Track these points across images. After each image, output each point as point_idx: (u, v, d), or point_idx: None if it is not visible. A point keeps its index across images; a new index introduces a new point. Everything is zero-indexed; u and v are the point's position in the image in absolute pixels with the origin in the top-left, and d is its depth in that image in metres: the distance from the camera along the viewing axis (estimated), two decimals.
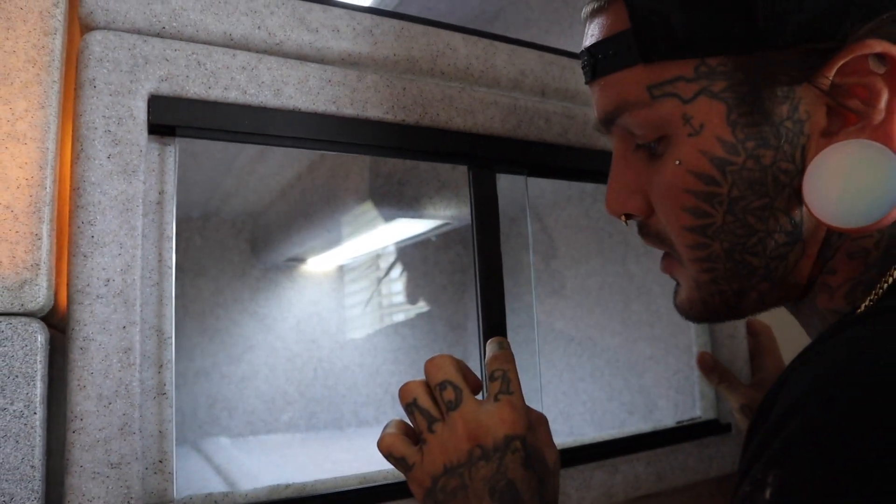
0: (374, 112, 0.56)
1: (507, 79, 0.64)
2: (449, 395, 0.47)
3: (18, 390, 0.41)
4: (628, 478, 0.66)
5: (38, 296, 0.42)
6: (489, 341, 0.53)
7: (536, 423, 0.49)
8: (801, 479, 0.28)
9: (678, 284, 0.47)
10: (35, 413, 0.41)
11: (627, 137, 0.45)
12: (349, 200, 0.78)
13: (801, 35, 0.37)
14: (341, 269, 1.18)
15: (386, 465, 0.50)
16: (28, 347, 0.41)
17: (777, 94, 0.38)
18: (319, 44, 0.55)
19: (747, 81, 0.39)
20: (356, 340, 1.16)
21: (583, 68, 0.46)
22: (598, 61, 0.43)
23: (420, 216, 0.79)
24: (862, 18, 0.36)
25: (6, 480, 0.40)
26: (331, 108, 0.54)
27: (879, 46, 0.36)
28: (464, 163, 0.62)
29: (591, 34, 0.44)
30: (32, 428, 0.41)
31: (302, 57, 0.54)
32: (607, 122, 0.45)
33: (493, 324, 0.61)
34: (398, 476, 0.56)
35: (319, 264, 1.16)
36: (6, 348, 0.41)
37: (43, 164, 0.43)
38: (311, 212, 0.86)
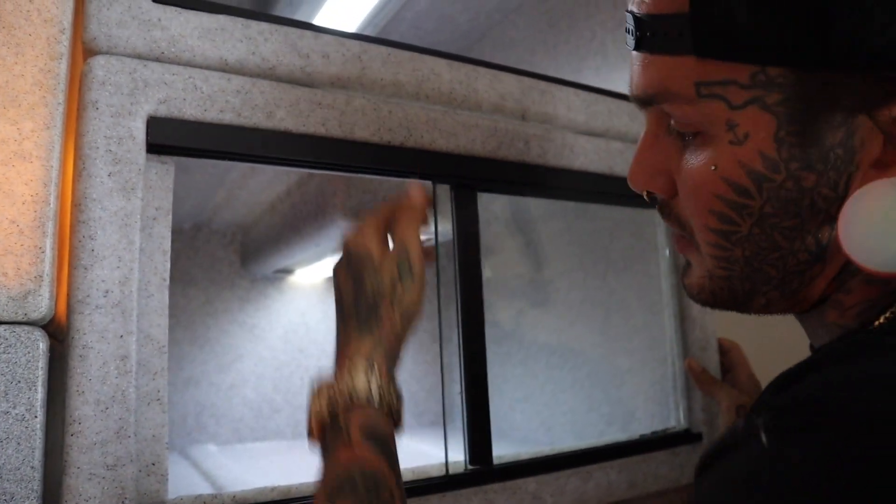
0: (361, 133, 0.59)
1: (488, 102, 0.68)
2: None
3: (21, 395, 0.43)
4: (601, 484, 0.69)
5: (41, 306, 0.44)
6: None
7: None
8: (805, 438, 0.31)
9: (688, 264, 0.47)
10: (36, 417, 0.43)
11: (663, 117, 0.43)
12: (336, 214, 0.81)
13: (874, 63, 0.35)
14: (328, 281, 1.20)
15: None
16: (30, 354, 0.44)
17: (835, 119, 0.37)
18: (310, 68, 0.58)
19: (805, 99, 0.37)
20: None
21: (626, 32, 0.43)
22: (644, 35, 0.40)
23: None
24: None
25: (7, 481, 0.42)
26: (320, 130, 0.57)
27: None
28: (446, 182, 0.65)
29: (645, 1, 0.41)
30: (33, 431, 0.43)
31: (293, 81, 0.57)
32: (645, 101, 0.43)
33: (473, 333, 0.64)
34: None
35: (307, 276, 1.19)
36: (10, 355, 0.43)
37: (47, 181, 0.46)
38: (299, 225, 0.89)
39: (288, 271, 1.16)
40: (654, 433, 0.78)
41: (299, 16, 1.08)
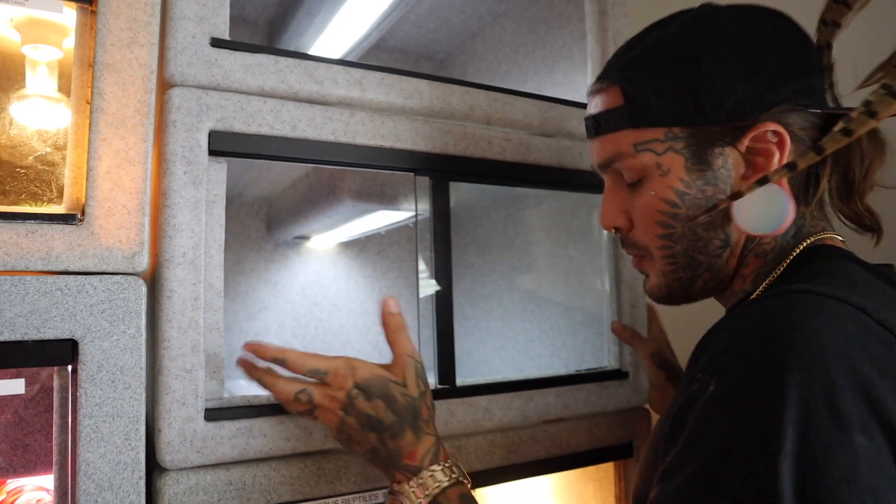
0: (361, 140, 0.80)
1: (459, 112, 0.88)
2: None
3: (131, 321, 0.65)
4: (540, 405, 0.91)
5: (143, 262, 0.66)
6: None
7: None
8: (734, 381, 0.47)
9: (647, 276, 0.69)
10: (141, 335, 0.65)
11: (617, 175, 0.66)
12: (344, 195, 1.02)
13: (729, 117, 0.59)
14: (339, 246, 1.42)
15: None
16: (136, 294, 0.66)
17: (715, 152, 0.60)
18: (323, 91, 0.78)
19: (697, 144, 0.60)
20: (350, 305, 1.40)
21: (587, 129, 0.68)
22: (599, 125, 0.65)
23: (397, 209, 1.03)
24: (765, 108, 0.59)
25: (126, 376, 0.64)
26: (330, 137, 0.78)
27: (773, 126, 0.59)
28: (426, 175, 0.86)
29: (595, 105, 0.66)
30: (140, 345, 0.65)
31: (311, 101, 0.78)
32: (604, 166, 0.66)
33: (444, 287, 0.86)
34: None
35: (321, 242, 1.41)
36: (125, 295, 0.65)
37: (144, 178, 0.67)
38: (315, 201, 1.10)
39: (305, 238, 1.38)
40: (588, 370, 1.00)
41: (313, 27, 1.27)
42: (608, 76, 0.66)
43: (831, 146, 0.54)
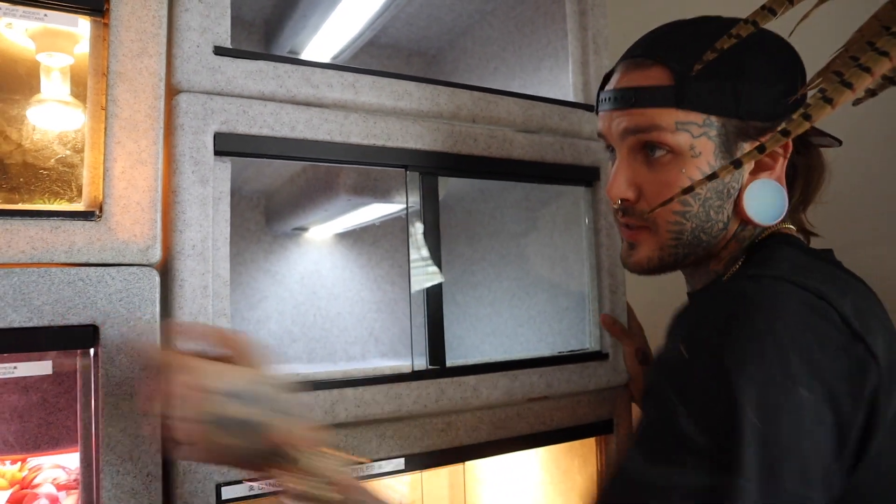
0: (355, 139, 0.86)
1: (447, 111, 0.94)
2: None
3: (146, 308, 0.72)
4: (525, 384, 0.97)
5: (156, 255, 0.72)
6: None
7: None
8: (703, 348, 0.57)
9: (632, 247, 0.75)
10: (156, 321, 0.72)
11: (636, 148, 0.71)
12: (340, 189, 1.08)
13: (756, 116, 0.67)
14: (336, 237, 1.49)
15: (367, 365, 0.80)
16: (150, 284, 0.72)
17: (738, 144, 0.68)
18: (319, 95, 0.84)
19: (727, 134, 0.68)
20: (347, 293, 1.47)
21: (615, 99, 0.71)
22: (639, 98, 0.69)
23: (390, 202, 1.10)
24: (780, 115, 0.68)
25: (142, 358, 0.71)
26: (326, 137, 0.84)
27: None
28: (416, 170, 0.92)
29: (631, 79, 0.70)
30: (155, 330, 0.72)
31: (308, 104, 0.84)
32: (631, 133, 0.70)
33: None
34: (371, 372, 0.87)
35: (318, 233, 1.47)
36: (140, 284, 0.71)
37: (155, 177, 0.73)
38: (312, 195, 1.16)
39: (303, 229, 1.44)
40: (570, 351, 1.06)
41: (308, 28, 1.32)
42: (650, 55, 0.70)
43: (771, 144, 0.61)
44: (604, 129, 0.75)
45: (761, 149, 0.61)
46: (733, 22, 0.69)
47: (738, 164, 0.60)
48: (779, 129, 0.60)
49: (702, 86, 0.67)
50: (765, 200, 0.69)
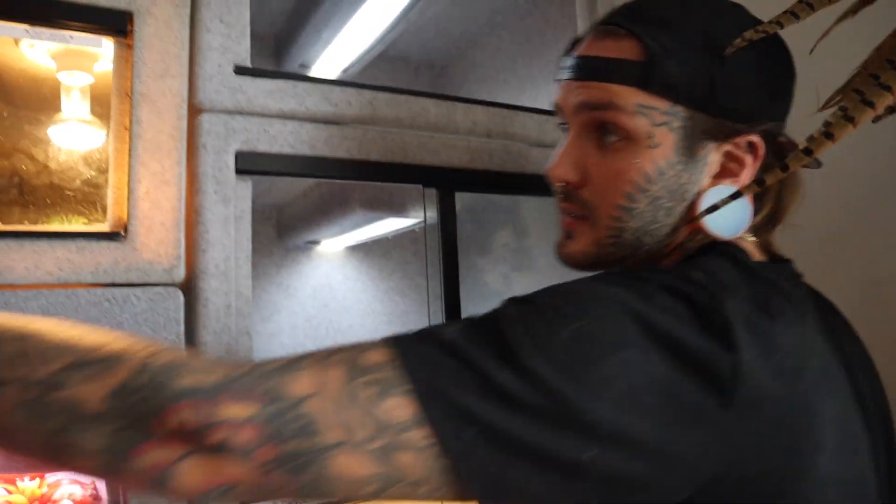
0: (374, 156, 0.87)
1: (463, 128, 0.95)
2: None
3: (171, 327, 0.72)
4: None
5: (180, 274, 0.73)
6: None
7: None
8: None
9: (567, 237, 0.64)
10: (181, 340, 0.72)
11: (589, 126, 0.60)
12: (355, 204, 1.08)
13: (730, 115, 0.58)
14: (347, 250, 1.49)
15: None
16: (175, 303, 0.72)
17: (703, 143, 0.58)
18: (338, 112, 0.85)
19: (692, 128, 0.58)
20: (358, 305, 1.47)
21: (574, 67, 0.60)
22: (599, 70, 0.58)
23: (404, 216, 1.10)
24: (759, 119, 0.60)
25: None
26: (345, 155, 0.85)
27: (755, 138, 0.58)
28: (433, 186, 0.93)
29: (595, 48, 0.60)
30: (180, 349, 0.72)
31: (328, 122, 0.84)
32: (585, 108, 0.60)
33: (451, 289, 0.92)
34: None
35: (331, 246, 1.47)
36: (165, 304, 0.72)
37: (179, 197, 0.74)
38: (327, 209, 1.17)
39: (315, 242, 1.45)
40: None
41: (320, 42, 1.34)
42: (623, 25, 0.60)
43: (794, 164, 0.60)
44: (560, 101, 0.64)
45: (785, 167, 0.61)
46: (732, 7, 0.62)
47: (761, 182, 0.57)
48: (801, 147, 0.60)
49: (674, 69, 0.57)
50: (724, 210, 0.55)
